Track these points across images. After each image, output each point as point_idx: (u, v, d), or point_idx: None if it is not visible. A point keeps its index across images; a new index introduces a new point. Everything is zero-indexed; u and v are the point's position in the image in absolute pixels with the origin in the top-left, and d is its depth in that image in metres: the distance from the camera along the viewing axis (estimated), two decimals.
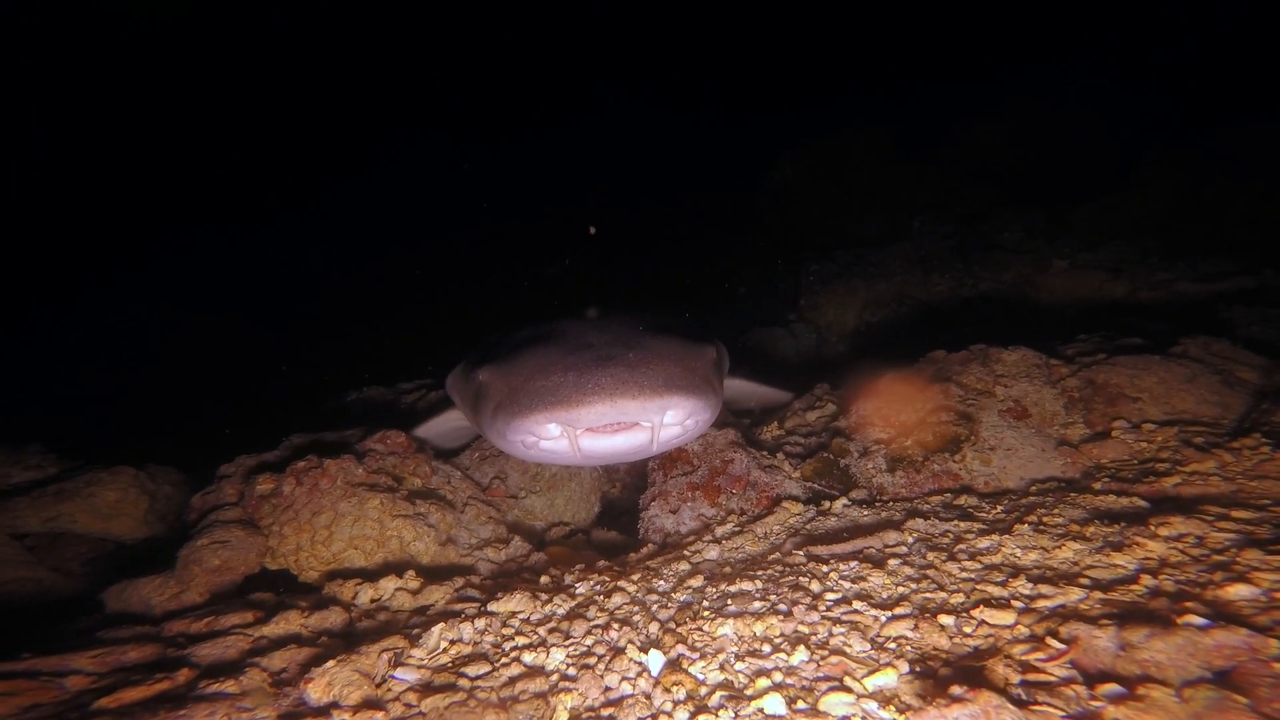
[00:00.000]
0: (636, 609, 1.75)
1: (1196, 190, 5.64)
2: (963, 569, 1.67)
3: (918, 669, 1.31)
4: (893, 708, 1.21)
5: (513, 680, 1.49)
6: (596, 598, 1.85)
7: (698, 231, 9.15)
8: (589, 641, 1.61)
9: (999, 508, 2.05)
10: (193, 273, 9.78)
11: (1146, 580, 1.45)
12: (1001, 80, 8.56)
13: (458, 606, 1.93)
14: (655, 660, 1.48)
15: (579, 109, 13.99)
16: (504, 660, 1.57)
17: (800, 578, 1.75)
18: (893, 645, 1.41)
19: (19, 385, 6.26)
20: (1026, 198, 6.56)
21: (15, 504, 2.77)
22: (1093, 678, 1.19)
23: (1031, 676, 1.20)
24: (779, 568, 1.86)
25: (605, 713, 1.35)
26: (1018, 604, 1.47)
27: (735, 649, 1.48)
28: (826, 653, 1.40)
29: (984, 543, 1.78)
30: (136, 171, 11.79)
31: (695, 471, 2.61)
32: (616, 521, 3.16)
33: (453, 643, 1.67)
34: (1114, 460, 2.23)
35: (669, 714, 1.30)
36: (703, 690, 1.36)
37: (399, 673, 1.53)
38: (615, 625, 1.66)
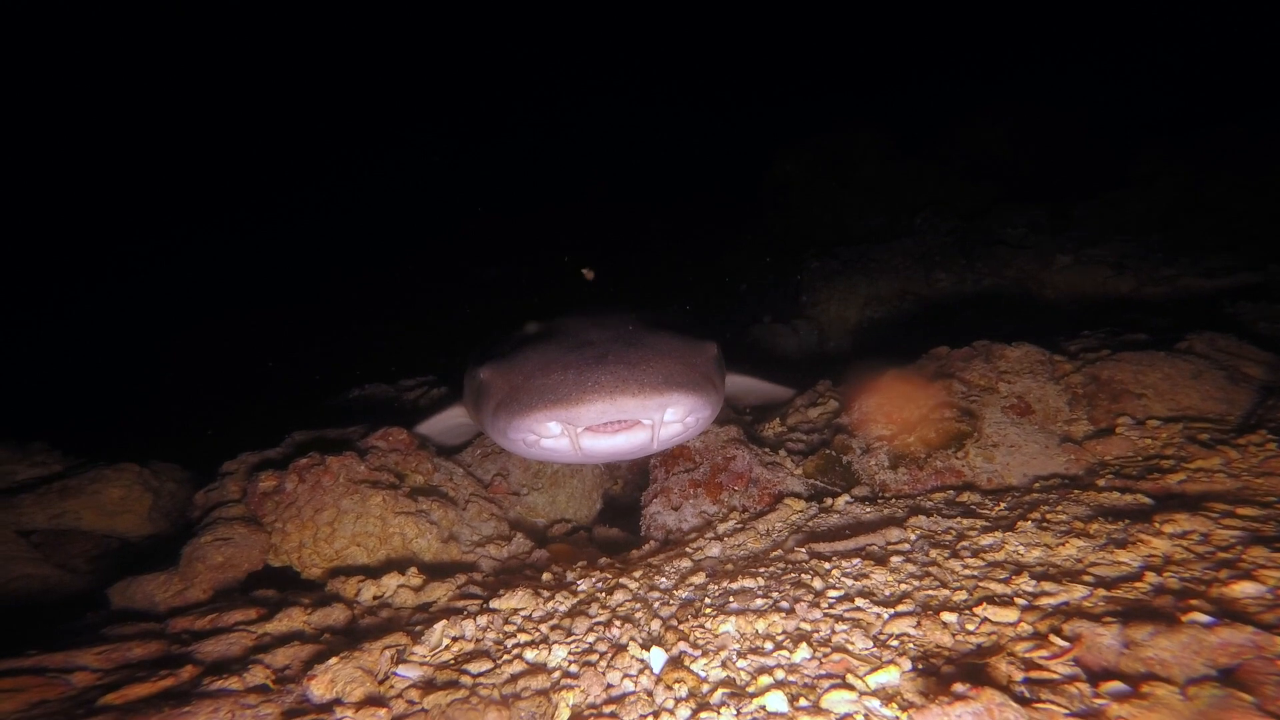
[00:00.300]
0: (638, 606, 1.75)
1: (1200, 186, 5.61)
2: (965, 566, 1.67)
3: (920, 666, 1.31)
4: (895, 705, 1.21)
5: (515, 677, 1.49)
6: (598, 595, 1.85)
7: (699, 228, 9.13)
8: (591, 639, 1.61)
9: (1002, 505, 2.05)
10: (193, 271, 9.80)
11: (1151, 578, 1.45)
12: (1002, 76, 8.52)
13: (460, 603, 1.93)
14: (657, 657, 1.48)
15: (580, 107, 13.96)
16: (506, 657, 1.58)
17: (802, 575, 1.75)
18: (895, 643, 1.41)
19: (23, 383, 6.29)
20: (1028, 194, 6.53)
21: (21, 501, 2.78)
22: (1096, 675, 1.19)
23: (1035, 674, 1.20)
24: (781, 565, 1.86)
25: (607, 710, 1.36)
26: (1021, 601, 1.46)
27: (737, 646, 1.48)
28: (829, 650, 1.40)
29: (987, 540, 1.78)
30: (137, 171, 11.80)
31: (697, 468, 2.61)
32: (618, 518, 3.16)
33: (455, 640, 1.67)
34: (1118, 457, 2.22)
35: (671, 711, 1.30)
36: (705, 687, 1.36)
37: (401, 670, 1.54)
38: (617, 622, 1.66)
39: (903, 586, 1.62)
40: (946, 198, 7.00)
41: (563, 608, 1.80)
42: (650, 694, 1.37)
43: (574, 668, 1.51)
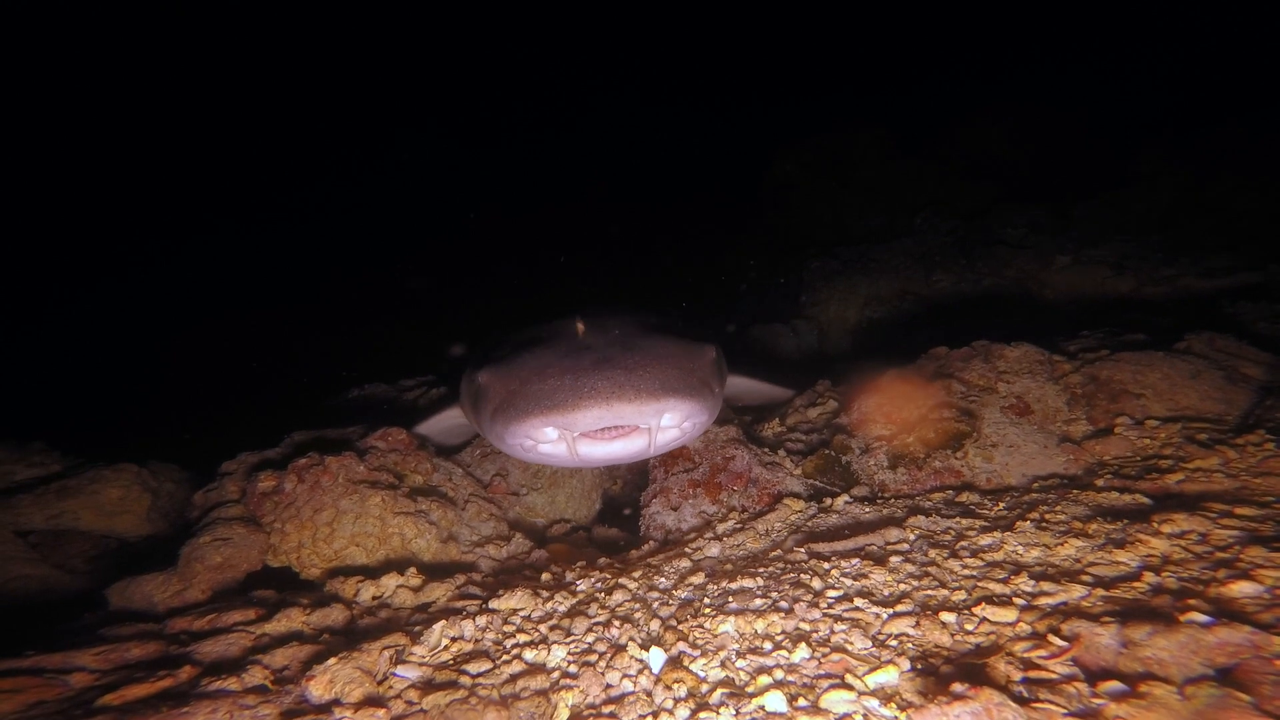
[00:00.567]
0: (638, 606, 1.75)
1: (1200, 186, 5.60)
2: (964, 566, 1.67)
3: (919, 666, 1.31)
4: (894, 705, 1.21)
5: (514, 678, 1.49)
6: (598, 595, 1.85)
7: (698, 228, 9.13)
8: (590, 639, 1.61)
9: (1001, 505, 2.05)
10: (193, 271, 9.80)
11: (1149, 577, 1.45)
12: (1002, 76, 8.52)
13: (459, 604, 1.93)
14: (656, 657, 1.48)
15: (580, 107, 13.96)
16: (505, 657, 1.58)
17: (802, 575, 1.75)
18: (894, 642, 1.41)
19: (23, 383, 6.28)
20: (1028, 194, 6.53)
21: (19, 501, 2.77)
22: (1095, 675, 1.19)
23: (1033, 674, 1.20)
24: (780, 565, 1.86)
25: (606, 710, 1.35)
26: (1020, 601, 1.46)
27: (736, 646, 1.48)
28: (828, 650, 1.40)
29: (986, 540, 1.78)
30: (137, 171, 11.80)
31: (696, 468, 2.61)
32: (618, 518, 3.16)
33: (454, 640, 1.67)
34: (1117, 457, 2.22)
35: (670, 711, 1.30)
36: (704, 687, 1.36)
37: (400, 670, 1.53)
38: (616, 622, 1.66)
39: (902, 586, 1.62)
40: (946, 198, 7.00)
41: (562, 608, 1.80)
42: (649, 694, 1.37)
43: (573, 668, 1.51)
